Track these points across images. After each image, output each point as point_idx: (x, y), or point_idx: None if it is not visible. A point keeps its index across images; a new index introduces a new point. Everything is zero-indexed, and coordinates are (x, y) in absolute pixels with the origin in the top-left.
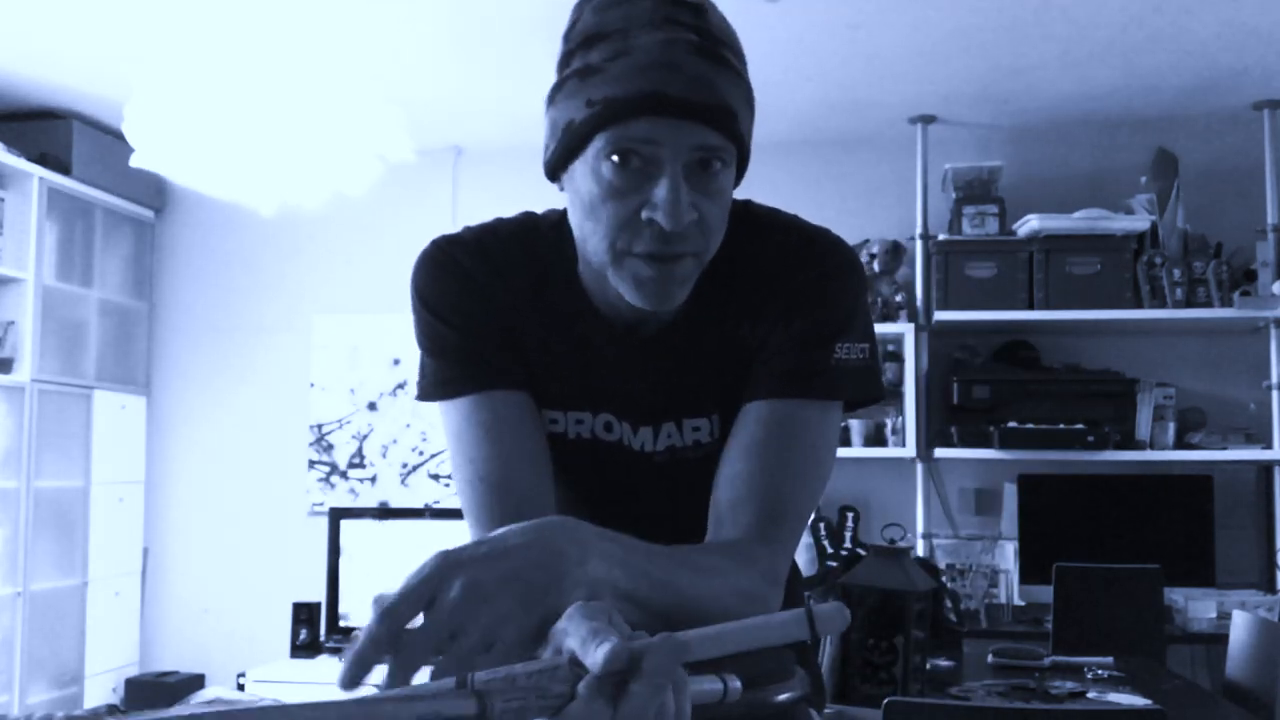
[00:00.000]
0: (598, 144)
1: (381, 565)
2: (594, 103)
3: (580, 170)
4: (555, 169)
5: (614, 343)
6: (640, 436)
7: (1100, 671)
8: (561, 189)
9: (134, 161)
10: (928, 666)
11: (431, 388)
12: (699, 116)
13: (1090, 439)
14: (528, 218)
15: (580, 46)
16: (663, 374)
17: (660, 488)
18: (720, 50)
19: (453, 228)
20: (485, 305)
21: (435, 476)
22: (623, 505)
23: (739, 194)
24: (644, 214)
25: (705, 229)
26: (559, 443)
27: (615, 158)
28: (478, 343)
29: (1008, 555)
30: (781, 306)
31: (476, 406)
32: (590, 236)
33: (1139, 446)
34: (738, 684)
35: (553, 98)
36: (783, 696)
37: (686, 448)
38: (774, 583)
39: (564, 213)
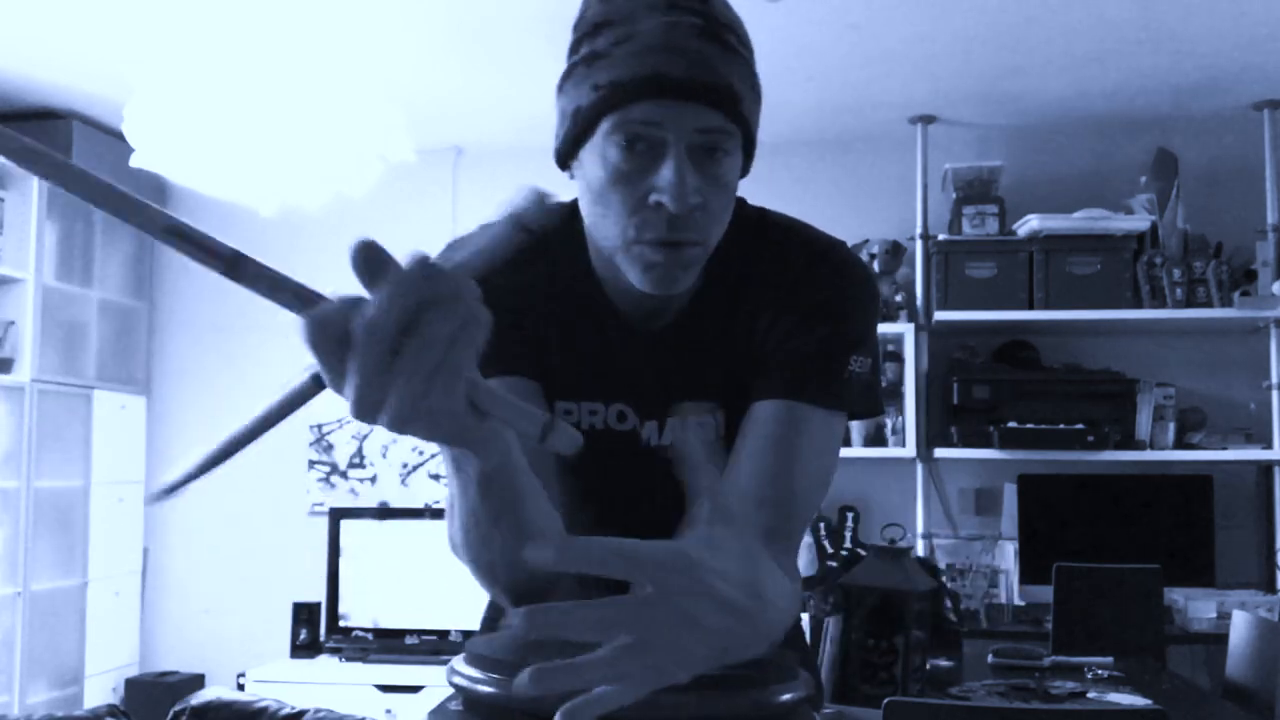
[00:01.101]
0: (604, 128)
1: (381, 565)
2: (599, 87)
3: (588, 156)
4: (565, 157)
5: (626, 333)
6: (647, 430)
7: (1100, 671)
8: (572, 177)
9: (134, 161)
10: (928, 666)
11: None
12: (701, 97)
13: (1090, 439)
14: None
15: (588, 34)
16: (671, 367)
17: (664, 481)
18: (724, 34)
19: (453, 228)
20: (494, 301)
21: (435, 476)
22: (627, 498)
23: (751, 199)
24: (651, 198)
25: (709, 215)
26: None
27: (621, 141)
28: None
29: (1008, 555)
30: (800, 313)
31: None
32: (600, 222)
33: (1139, 446)
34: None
35: (562, 85)
36: (786, 697)
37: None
38: (794, 579)
39: (573, 203)
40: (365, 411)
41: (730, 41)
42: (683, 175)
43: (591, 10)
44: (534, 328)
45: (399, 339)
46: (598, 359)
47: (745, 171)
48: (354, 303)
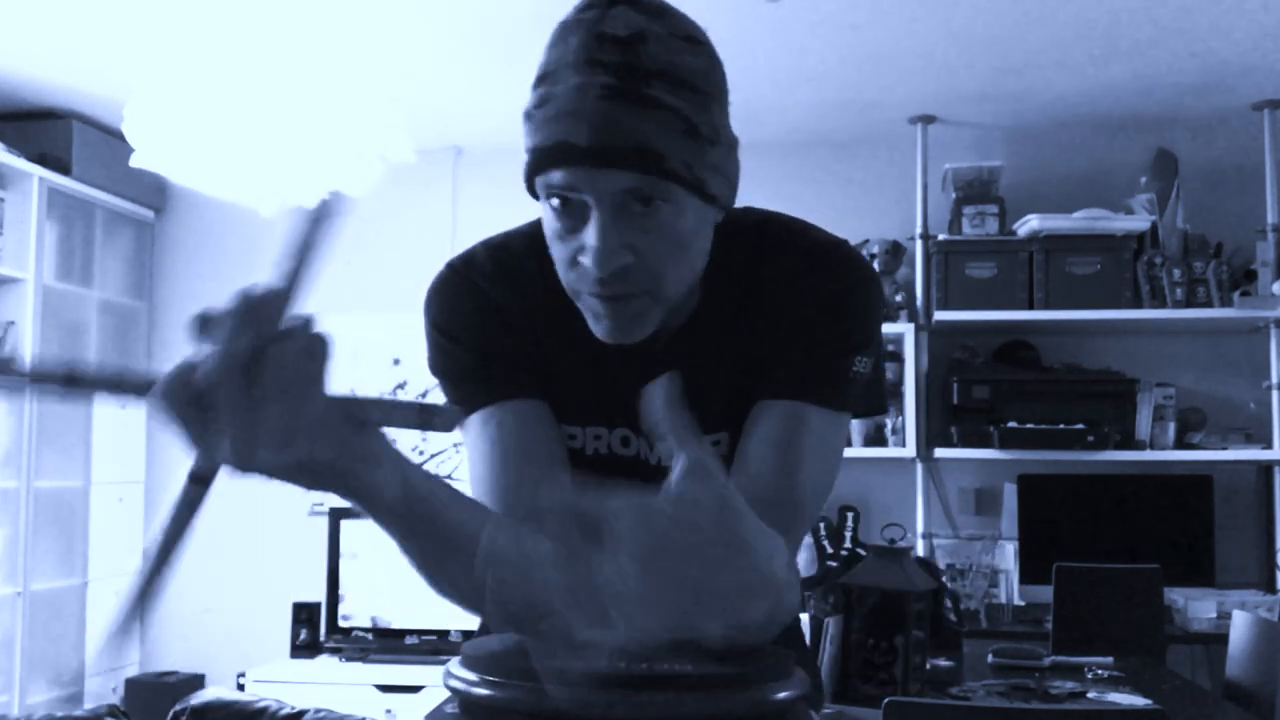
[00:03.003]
0: (538, 185)
1: (381, 565)
2: (528, 150)
3: (541, 206)
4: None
5: (626, 355)
6: (658, 450)
7: (1100, 671)
8: None
9: (134, 161)
10: (928, 666)
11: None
12: (612, 162)
13: (1090, 439)
14: (538, 229)
15: (534, 85)
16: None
17: None
18: (647, 87)
19: (453, 228)
20: (499, 322)
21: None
22: None
23: (751, 201)
24: (580, 258)
25: (649, 266)
26: (577, 459)
27: (554, 202)
28: (490, 358)
29: (1008, 555)
30: (804, 313)
31: (488, 419)
32: (559, 270)
33: (1139, 446)
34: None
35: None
36: (781, 695)
37: None
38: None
39: None
40: (243, 452)
41: (653, 95)
42: (605, 238)
43: (542, 57)
44: (538, 351)
45: (250, 371)
46: (599, 383)
47: (730, 204)
48: (192, 363)
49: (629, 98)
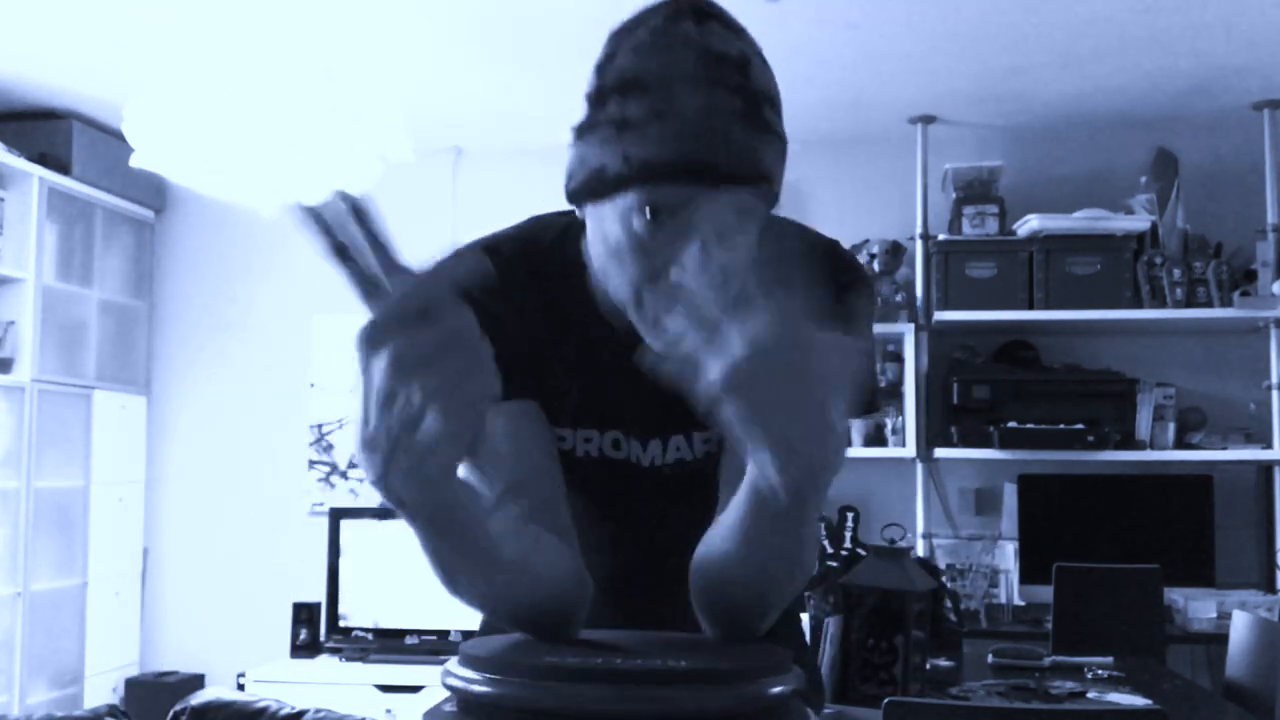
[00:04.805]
0: (630, 196)
1: (381, 565)
2: (631, 159)
3: (609, 213)
4: (578, 200)
5: (621, 358)
6: (650, 451)
7: (1100, 671)
8: (580, 213)
9: (134, 161)
10: (928, 666)
11: None
12: (737, 183)
13: (1090, 439)
14: (528, 231)
15: (616, 90)
16: (667, 388)
17: (668, 499)
18: (763, 110)
19: (453, 228)
20: (489, 324)
21: None
22: (632, 517)
23: None
24: (673, 275)
25: (729, 280)
26: (567, 461)
27: (647, 214)
28: None
29: (1008, 555)
30: None
31: None
32: (613, 278)
33: (1139, 446)
34: None
35: (581, 133)
36: (776, 690)
37: (696, 460)
38: None
39: (566, 223)
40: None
41: (767, 117)
42: (710, 254)
43: (620, 61)
44: (528, 354)
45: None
46: (593, 386)
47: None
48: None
49: (753, 122)
